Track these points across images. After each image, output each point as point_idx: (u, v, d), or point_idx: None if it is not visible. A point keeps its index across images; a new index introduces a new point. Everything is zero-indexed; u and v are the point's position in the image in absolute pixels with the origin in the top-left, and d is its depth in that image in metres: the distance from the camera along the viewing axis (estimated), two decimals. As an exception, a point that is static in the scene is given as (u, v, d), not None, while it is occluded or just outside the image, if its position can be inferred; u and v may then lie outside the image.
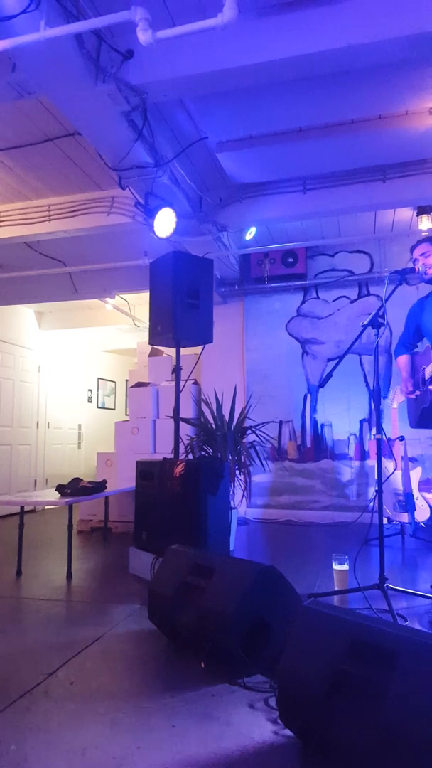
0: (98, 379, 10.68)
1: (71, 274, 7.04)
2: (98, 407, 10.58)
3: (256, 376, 6.96)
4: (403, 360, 3.64)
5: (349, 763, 1.56)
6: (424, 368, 3.33)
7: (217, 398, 5.14)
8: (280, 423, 6.80)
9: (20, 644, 2.71)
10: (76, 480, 4.57)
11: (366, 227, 6.13)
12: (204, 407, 5.30)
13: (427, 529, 5.26)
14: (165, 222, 4.37)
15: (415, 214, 5.74)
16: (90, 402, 10.31)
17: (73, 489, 4.39)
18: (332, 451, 6.63)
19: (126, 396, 11.22)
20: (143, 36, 2.68)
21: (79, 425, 9.81)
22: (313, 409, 6.75)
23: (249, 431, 5.17)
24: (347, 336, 6.60)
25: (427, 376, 3.25)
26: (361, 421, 6.57)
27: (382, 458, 3.31)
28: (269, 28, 3.03)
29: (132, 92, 3.31)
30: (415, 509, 5.13)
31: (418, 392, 3.44)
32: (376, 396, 3.29)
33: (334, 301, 6.80)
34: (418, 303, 3.63)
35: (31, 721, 1.94)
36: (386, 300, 3.24)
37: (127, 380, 10.09)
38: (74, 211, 5.21)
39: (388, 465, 5.19)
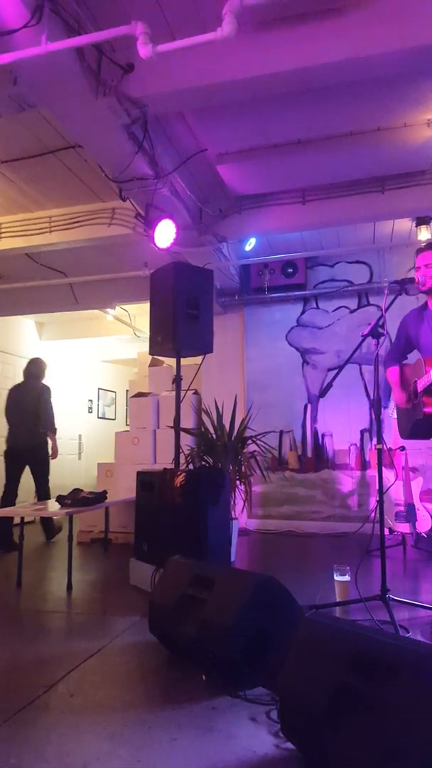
0: (99, 389, 10.68)
1: (72, 285, 7.06)
2: (98, 417, 10.57)
3: (257, 386, 6.96)
4: (393, 372, 3.57)
5: (351, 777, 1.55)
6: (416, 381, 3.31)
7: (217, 408, 5.14)
8: (281, 433, 6.79)
9: (20, 656, 2.69)
10: (77, 491, 4.56)
11: (365, 238, 6.15)
12: (204, 417, 5.29)
13: (428, 539, 5.24)
14: (165, 233, 4.39)
15: (414, 224, 5.76)
16: (90, 412, 10.30)
17: (74, 500, 4.38)
18: (333, 461, 6.62)
19: (126, 406, 11.20)
20: (143, 50, 2.71)
21: (80, 435, 9.79)
22: (314, 419, 6.74)
23: (249, 441, 5.16)
24: (347, 346, 6.60)
25: (419, 389, 3.24)
26: (362, 431, 6.56)
27: (383, 468, 3.29)
28: (269, 42, 3.06)
29: (132, 105, 3.34)
30: (416, 519, 5.12)
31: (409, 405, 3.42)
32: (377, 406, 3.29)
33: (333, 311, 6.82)
34: (413, 314, 3.55)
35: (31, 734, 1.92)
36: (386, 310, 3.24)
37: (127, 390, 10.06)
38: (75, 222, 5.24)
39: (389, 475, 5.19)
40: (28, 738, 1.89)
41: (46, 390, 6.26)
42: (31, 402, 6.10)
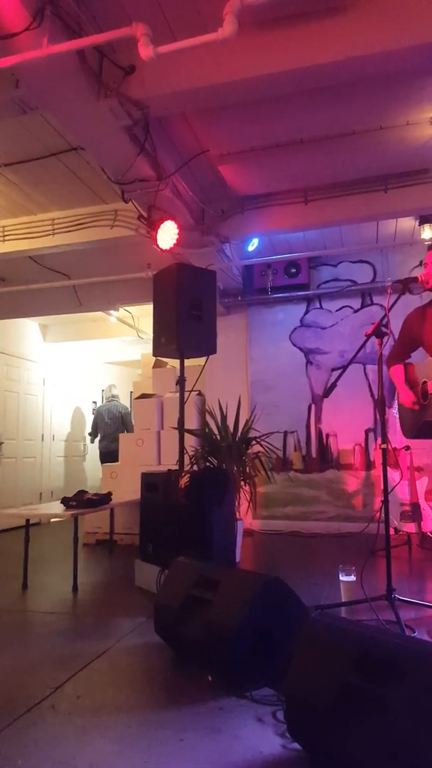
0: (102, 391, 10.68)
1: (75, 287, 7.06)
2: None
3: (260, 387, 6.96)
4: (398, 371, 3.54)
5: (358, 777, 1.54)
6: (426, 382, 3.28)
7: (221, 409, 5.13)
8: (285, 433, 6.78)
9: (27, 658, 2.70)
10: (81, 492, 4.56)
11: (368, 237, 6.15)
12: (208, 418, 5.29)
13: (434, 538, 5.23)
14: (168, 234, 4.39)
15: (417, 223, 5.75)
16: (94, 414, 10.31)
17: (79, 501, 4.38)
18: (337, 461, 6.61)
19: (130, 408, 11.21)
20: (144, 51, 2.71)
21: (85, 437, 9.81)
22: (318, 420, 6.73)
23: (253, 442, 5.15)
24: (351, 346, 6.60)
25: (430, 390, 3.22)
26: (366, 431, 6.55)
27: (388, 468, 3.28)
28: (269, 42, 3.06)
29: (134, 107, 3.34)
30: (422, 519, 5.10)
31: (417, 406, 3.38)
32: (381, 405, 3.28)
33: (337, 311, 6.81)
34: (416, 312, 3.52)
35: (38, 735, 1.92)
36: (389, 309, 3.23)
37: (131, 392, 10.09)
38: (78, 224, 5.24)
39: (395, 475, 5.17)
40: (34, 739, 1.90)
41: (125, 408, 8.59)
42: (117, 417, 8.42)
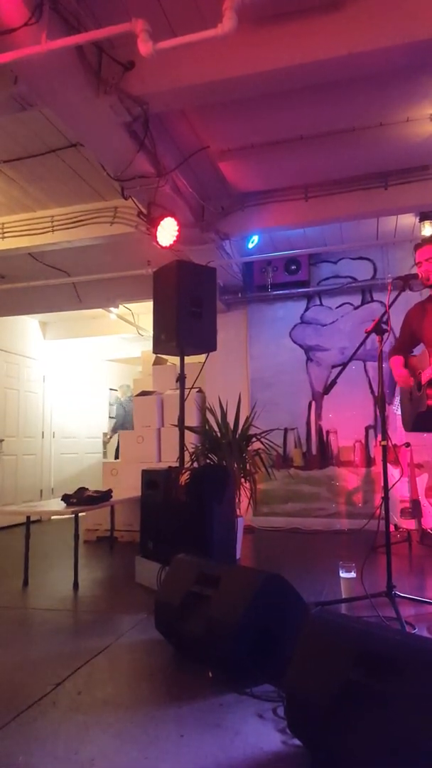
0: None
1: (75, 284, 7.06)
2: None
3: (261, 384, 6.96)
4: (397, 360, 3.55)
5: (358, 773, 1.54)
6: (421, 372, 3.29)
7: (221, 406, 5.13)
8: (285, 430, 6.78)
9: (27, 655, 2.70)
10: (82, 489, 4.56)
11: (368, 234, 6.14)
12: (208, 415, 5.29)
13: (434, 535, 5.23)
14: (167, 231, 4.38)
15: (417, 220, 5.74)
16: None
17: (79, 498, 4.39)
18: (338, 458, 6.61)
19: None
20: (144, 47, 2.70)
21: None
22: (318, 416, 6.73)
23: (254, 439, 5.15)
24: (351, 343, 6.59)
25: (424, 381, 3.22)
26: (367, 428, 6.55)
27: (389, 465, 3.28)
28: (270, 38, 3.05)
29: (133, 103, 3.33)
30: (422, 516, 5.11)
31: (411, 380, 3.39)
32: (381, 402, 3.28)
33: (337, 307, 6.80)
34: (416, 307, 3.53)
35: (39, 731, 1.93)
36: (389, 306, 3.23)
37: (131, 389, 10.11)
38: (78, 221, 5.23)
39: (395, 472, 5.17)
40: (36, 735, 1.90)
41: None
42: None
